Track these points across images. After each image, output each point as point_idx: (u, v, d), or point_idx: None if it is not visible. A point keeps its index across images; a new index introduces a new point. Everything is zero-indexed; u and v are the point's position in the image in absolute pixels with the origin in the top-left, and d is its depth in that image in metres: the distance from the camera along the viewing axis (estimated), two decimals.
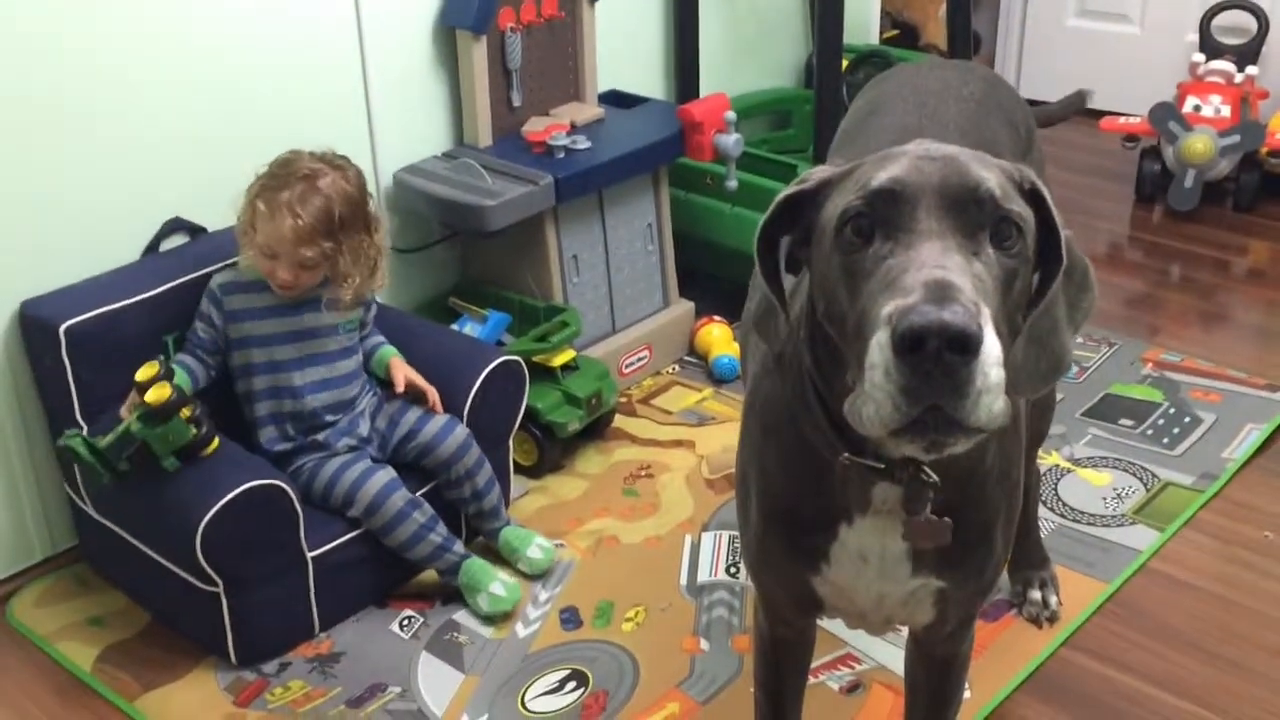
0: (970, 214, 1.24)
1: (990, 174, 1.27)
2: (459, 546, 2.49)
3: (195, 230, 2.66)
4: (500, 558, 2.59)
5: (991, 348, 1.14)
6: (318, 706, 2.28)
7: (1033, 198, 1.33)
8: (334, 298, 2.44)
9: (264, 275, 2.40)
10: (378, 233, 2.47)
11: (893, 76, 2.17)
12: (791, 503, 1.56)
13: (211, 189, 2.65)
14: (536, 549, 2.57)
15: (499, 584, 2.45)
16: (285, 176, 2.36)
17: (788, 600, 1.71)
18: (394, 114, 2.96)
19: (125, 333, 2.40)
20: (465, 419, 2.55)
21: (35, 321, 2.40)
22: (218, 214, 2.64)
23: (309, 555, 2.37)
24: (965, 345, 1.12)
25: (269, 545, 2.31)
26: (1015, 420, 1.59)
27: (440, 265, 3.16)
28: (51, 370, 2.39)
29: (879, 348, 1.16)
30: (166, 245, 2.63)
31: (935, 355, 1.12)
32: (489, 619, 2.44)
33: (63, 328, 2.34)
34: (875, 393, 1.17)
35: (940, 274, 1.17)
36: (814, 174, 1.39)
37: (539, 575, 2.56)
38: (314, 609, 2.41)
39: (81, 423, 2.39)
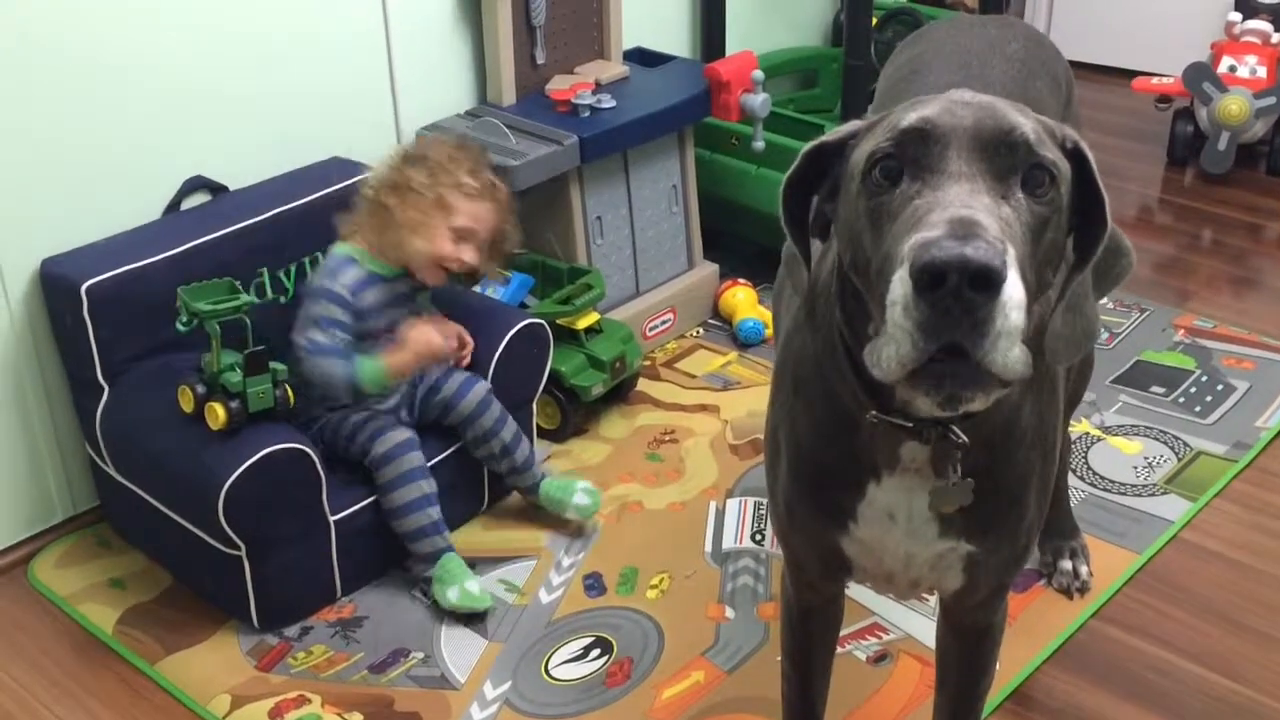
0: (1002, 157, 1.21)
1: (1026, 120, 1.23)
2: (447, 536, 2.44)
3: (216, 189, 2.63)
4: (545, 514, 2.60)
5: (1014, 288, 1.11)
6: (341, 671, 2.28)
7: (1075, 157, 1.29)
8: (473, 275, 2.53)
9: (429, 262, 2.41)
10: None
11: (929, 35, 2.12)
12: (820, 460, 1.54)
13: (233, 146, 2.65)
14: (583, 495, 2.56)
15: (474, 583, 2.38)
16: (465, 160, 2.44)
17: (816, 561, 1.68)
18: (416, 71, 2.93)
19: (147, 291, 2.37)
20: (490, 381, 2.53)
21: (57, 280, 2.38)
22: (241, 171, 2.62)
23: (331, 519, 2.35)
24: (988, 281, 1.09)
25: (291, 508, 2.30)
26: (1053, 382, 1.56)
27: None
28: (72, 330, 2.37)
29: (900, 282, 1.13)
30: (188, 204, 2.60)
31: (956, 291, 1.09)
32: (453, 611, 2.38)
33: (85, 286, 2.31)
34: (895, 331, 1.14)
35: (966, 212, 1.14)
36: (843, 126, 1.35)
37: (589, 520, 2.57)
38: (336, 573, 2.40)
39: (103, 383, 2.37)
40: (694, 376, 3.07)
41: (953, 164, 1.20)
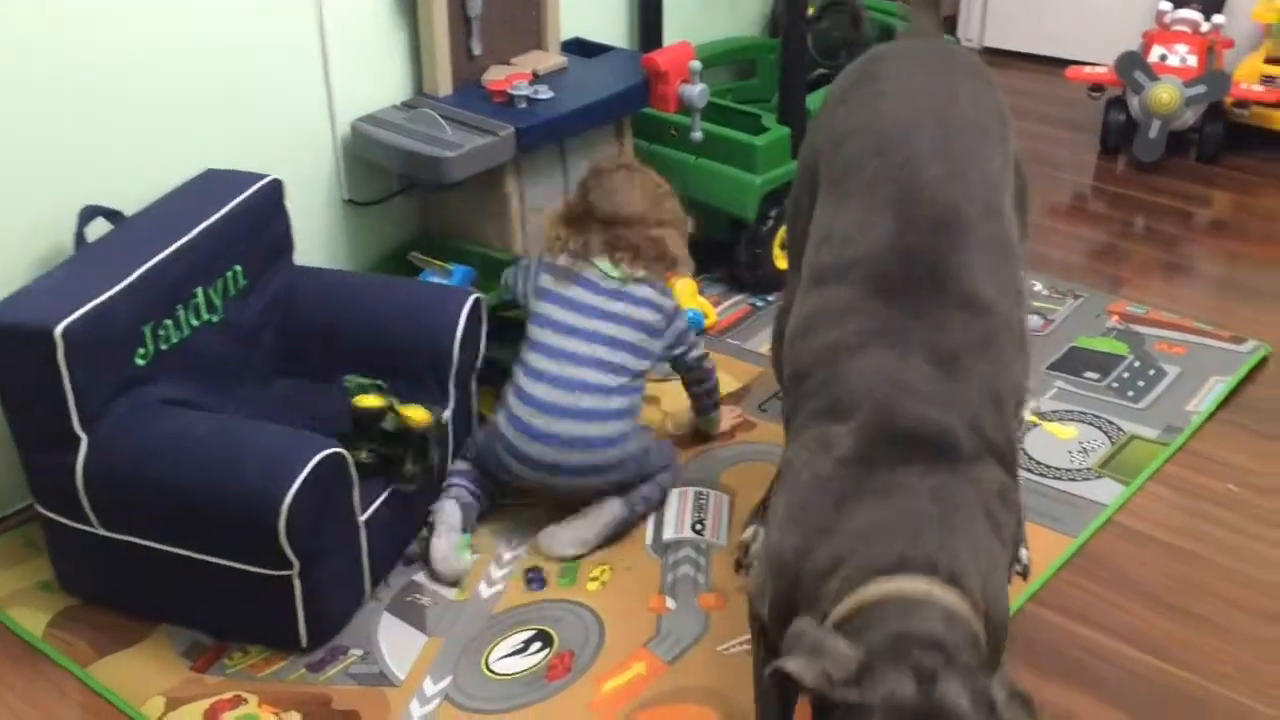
0: None
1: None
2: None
3: (113, 215, 2.47)
4: None
5: None
6: (277, 671, 2.24)
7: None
8: None
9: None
10: None
11: (880, 59, 2.16)
12: None
13: (133, 162, 2.54)
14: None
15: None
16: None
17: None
18: (351, 62, 2.87)
19: (112, 327, 2.20)
20: (453, 363, 2.51)
21: (14, 329, 2.14)
22: (150, 185, 2.53)
23: (359, 519, 2.29)
24: None
25: (337, 515, 2.22)
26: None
27: (399, 218, 3.09)
28: (36, 380, 2.14)
29: None
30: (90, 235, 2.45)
31: None
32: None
33: (59, 330, 2.09)
34: None
35: None
36: (834, 690, 1.47)
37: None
38: (366, 573, 2.35)
39: (80, 432, 2.18)
40: None
41: None
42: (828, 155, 2.06)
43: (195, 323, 2.38)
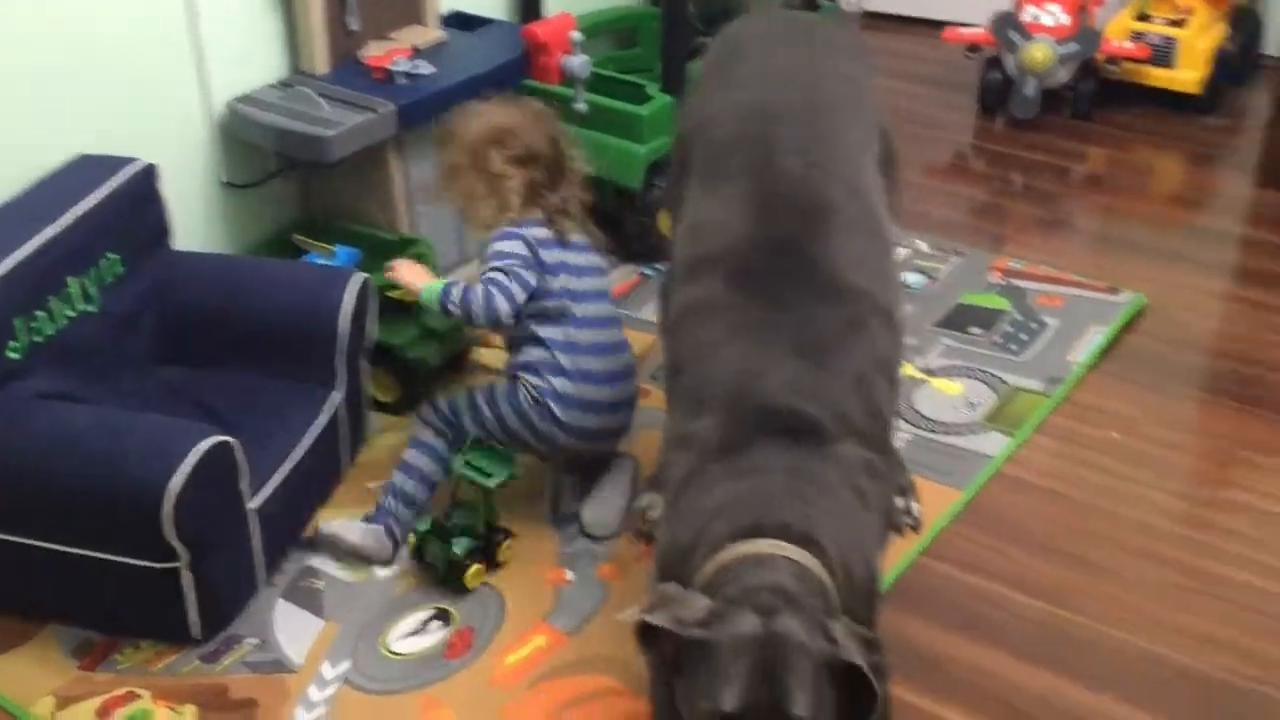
0: None
1: (802, 698, 1.52)
2: None
3: None
4: None
5: None
6: (171, 663, 2.20)
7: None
8: None
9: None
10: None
11: (743, 45, 2.20)
12: None
13: (19, 136, 2.46)
14: None
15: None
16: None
17: None
18: (224, 41, 2.81)
19: None
20: (342, 345, 2.46)
21: None
22: (20, 173, 2.45)
23: (249, 507, 2.24)
24: None
25: (226, 502, 2.19)
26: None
27: (280, 201, 3.04)
28: None
29: None
30: None
31: None
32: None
33: None
34: None
35: None
36: (684, 630, 1.59)
37: None
38: (259, 561, 2.30)
39: None
40: None
41: None
42: (696, 140, 2.10)
43: (70, 313, 2.32)
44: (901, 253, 3.28)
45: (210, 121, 2.84)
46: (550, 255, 2.41)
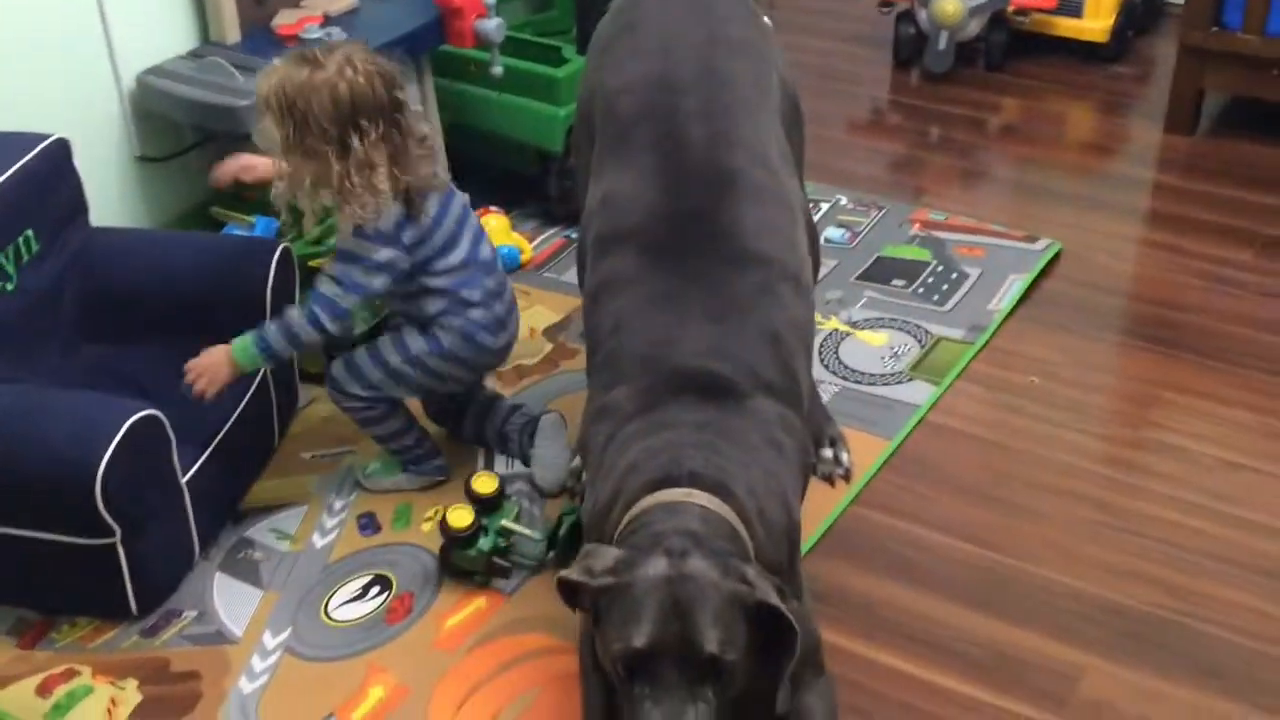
0: (695, 672, 1.60)
1: (714, 633, 1.60)
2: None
3: None
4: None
5: None
6: (110, 639, 2.20)
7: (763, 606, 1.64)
8: None
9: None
10: None
11: (640, 14, 2.23)
12: None
13: None
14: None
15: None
16: None
17: None
18: (131, 12, 2.79)
19: None
20: (266, 314, 2.42)
21: None
22: None
23: (182, 482, 2.24)
24: None
25: (156, 477, 2.18)
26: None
27: (196, 174, 3.00)
28: None
29: None
30: None
31: None
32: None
33: None
34: None
35: None
36: (594, 580, 1.66)
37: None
38: (194, 536, 2.30)
39: None
40: None
41: (664, 677, 1.60)
42: (599, 111, 2.15)
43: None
44: (821, 207, 3.33)
45: (121, 94, 2.82)
46: (417, 227, 2.28)
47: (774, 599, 1.64)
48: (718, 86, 2.08)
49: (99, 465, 2.03)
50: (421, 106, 3.10)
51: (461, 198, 2.41)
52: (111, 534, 2.11)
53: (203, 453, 2.31)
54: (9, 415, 2.14)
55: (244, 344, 2.27)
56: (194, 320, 2.44)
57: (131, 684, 2.11)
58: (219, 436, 2.36)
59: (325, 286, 2.26)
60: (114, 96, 2.81)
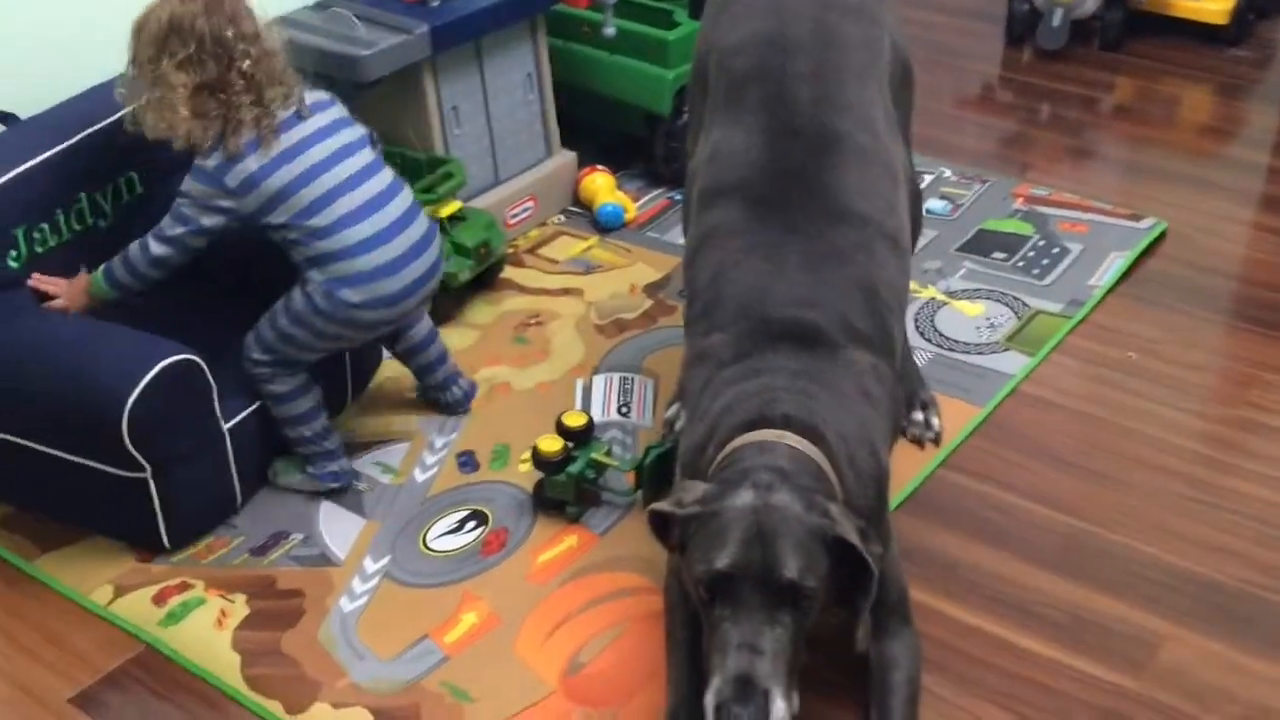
0: (774, 595, 1.68)
1: (794, 561, 1.67)
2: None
3: (7, 117, 2.49)
4: None
5: (777, 709, 1.65)
6: (223, 555, 2.32)
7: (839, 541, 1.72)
8: None
9: None
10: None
11: None
12: None
13: (22, 70, 2.51)
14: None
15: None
16: None
17: None
18: None
19: None
20: None
21: None
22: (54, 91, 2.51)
23: (225, 428, 2.32)
24: None
25: (190, 420, 2.25)
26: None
27: None
28: None
29: (710, 699, 1.67)
30: None
31: None
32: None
33: None
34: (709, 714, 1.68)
35: (745, 666, 1.65)
36: (683, 509, 1.76)
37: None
38: (236, 482, 2.38)
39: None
40: (557, 262, 3.13)
41: (744, 599, 1.68)
42: (713, 67, 2.21)
43: (78, 227, 2.40)
44: (925, 179, 3.36)
45: None
46: (249, 165, 2.21)
47: (853, 536, 1.70)
48: (827, 49, 2.13)
49: (126, 402, 2.11)
50: (535, 65, 3.18)
51: (344, 136, 2.32)
52: (142, 469, 2.20)
53: (253, 403, 2.38)
54: (62, 344, 2.23)
55: (96, 275, 2.32)
56: (277, 281, 2.38)
57: (240, 598, 2.23)
58: None
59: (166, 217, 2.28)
60: None
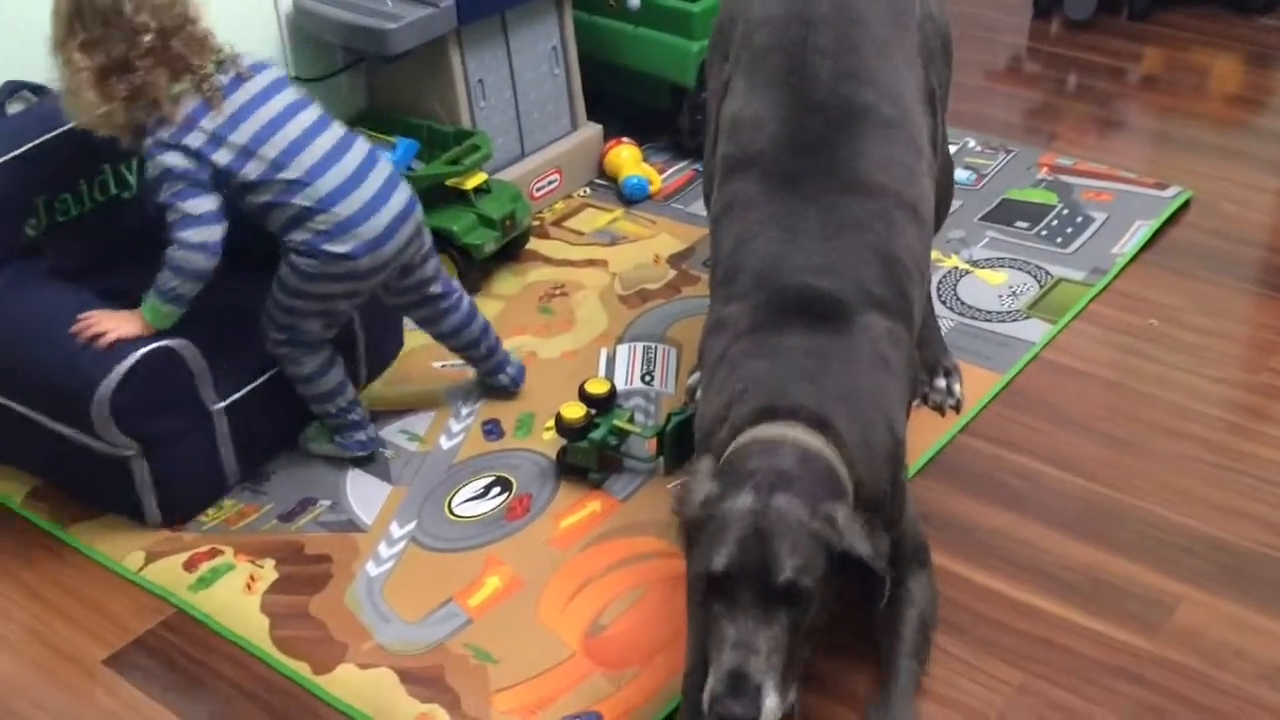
0: (771, 593, 1.71)
1: (791, 560, 1.70)
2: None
3: (38, 89, 2.49)
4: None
5: (768, 707, 1.69)
6: (252, 522, 2.36)
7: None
8: None
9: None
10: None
11: None
12: None
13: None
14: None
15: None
16: None
17: None
18: None
19: None
20: None
21: None
22: None
23: (214, 408, 2.32)
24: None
25: (173, 405, 2.26)
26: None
27: (346, 93, 3.16)
28: None
29: (708, 693, 1.71)
30: (12, 108, 2.48)
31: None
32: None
33: None
34: (707, 705, 1.72)
35: (740, 662, 1.69)
36: (688, 511, 1.80)
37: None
38: (232, 458, 2.39)
39: None
40: (582, 234, 3.15)
41: (740, 599, 1.71)
42: (739, 37, 2.21)
43: (100, 197, 2.42)
44: (951, 149, 3.35)
45: (279, 18, 2.95)
46: (205, 126, 2.18)
47: (860, 548, 1.73)
48: (849, 24, 2.13)
49: (108, 387, 2.13)
50: (560, 38, 3.20)
51: (289, 94, 2.27)
52: (129, 448, 2.23)
53: (250, 383, 2.38)
54: (58, 321, 2.21)
55: (147, 304, 2.23)
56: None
57: (269, 563, 2.27)
58: (270, 372, 2.41)
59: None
60: (273, 20, 2.95)
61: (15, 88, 2.50)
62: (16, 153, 2.31)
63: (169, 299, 2.21)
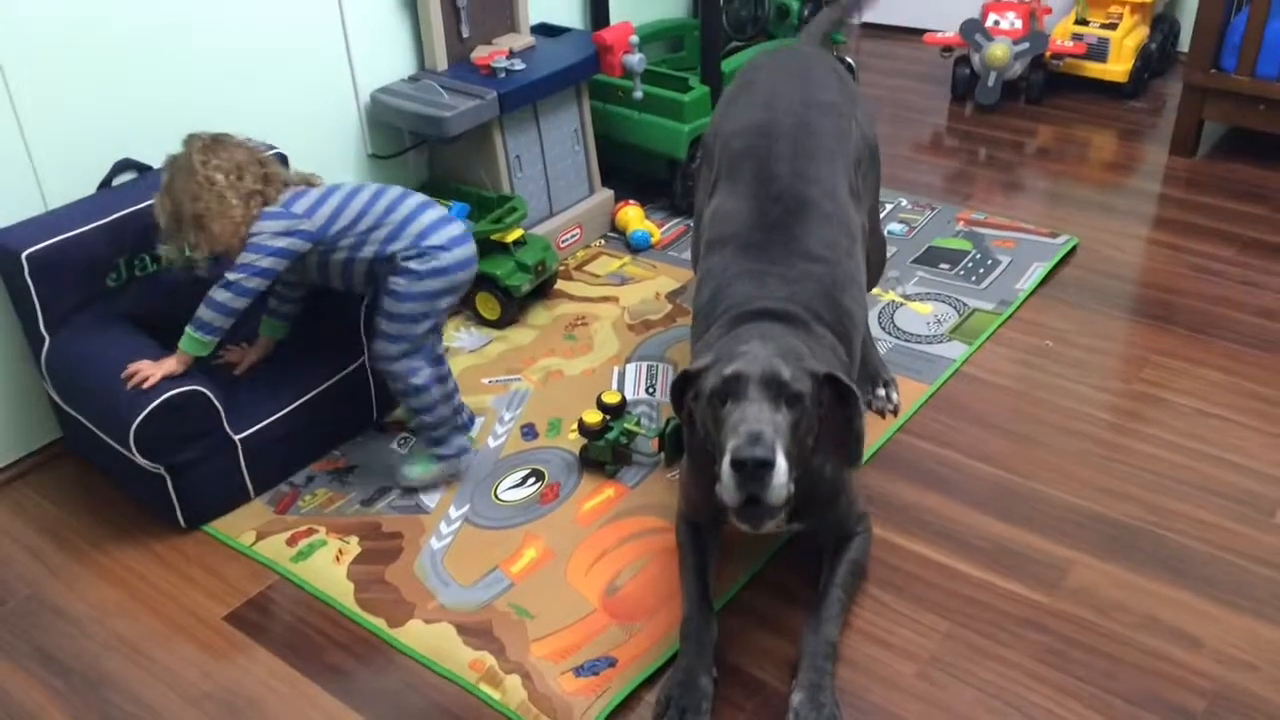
0: (773, 390, 1.72)
1: (787, 368, 1.73)
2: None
3: (143, 168, 2.45)
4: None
5: (780, 466, 1.65)
6: (339, 507, 2.35)
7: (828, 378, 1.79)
8: None
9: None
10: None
11: (755, 78, 2.32)
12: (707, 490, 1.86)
13: (169, 128, 2.41)
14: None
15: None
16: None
17: (705, 513, 2.01)
18: (367, 45, 2.92)
19: (82, 254, 2.24)
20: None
21: (2, 250, 2.22)
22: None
23: (237, 438, 2.27)
24: (766, 465, 1.64)
25: (196, 438, 2.22)
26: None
27: (412, 168, 3.15)
28: (21, 291, 2.23)
29: (726, 465, 1.66)
30: (119, 182, 2.43)
31: (752, 471, 1.64)
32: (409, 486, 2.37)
33: (25, 254, 2.17)
34: (726, 482, 1.68)
35: (756, 427, 1.66)
36: (696, 365, 1.82)
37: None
38: (247, 478, 2.33)
39: (45, 333, 2.25)
40: (598, 276, 3.14)
41: (750, 394, 1.71)
42: (719, 147, 2.24)
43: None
44: (886, 208, 3.35)
45: (359, 107, 2.95)
46: (301, 202, 2.20)
47: (835, 369, 1.80)
48: (805, 136, 2.15)
49: (139, 422, 2.12)
50: (579, 122, 3.19)
51: (365, 193, 2.24)
52: (158, 469, 2.20)
53: (267, 419, 2.31)
54: (117, 361, 2.18)
55: (185, 337, 2.18)
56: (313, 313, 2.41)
57: (354, 540, 2.26)
58: (289, 409, 2.35)
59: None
60: (353, 108, 2.95)
61: (125, 165, 2.44)
62: (110, 219, 2.28)
63: (209, 332, 2.16)
